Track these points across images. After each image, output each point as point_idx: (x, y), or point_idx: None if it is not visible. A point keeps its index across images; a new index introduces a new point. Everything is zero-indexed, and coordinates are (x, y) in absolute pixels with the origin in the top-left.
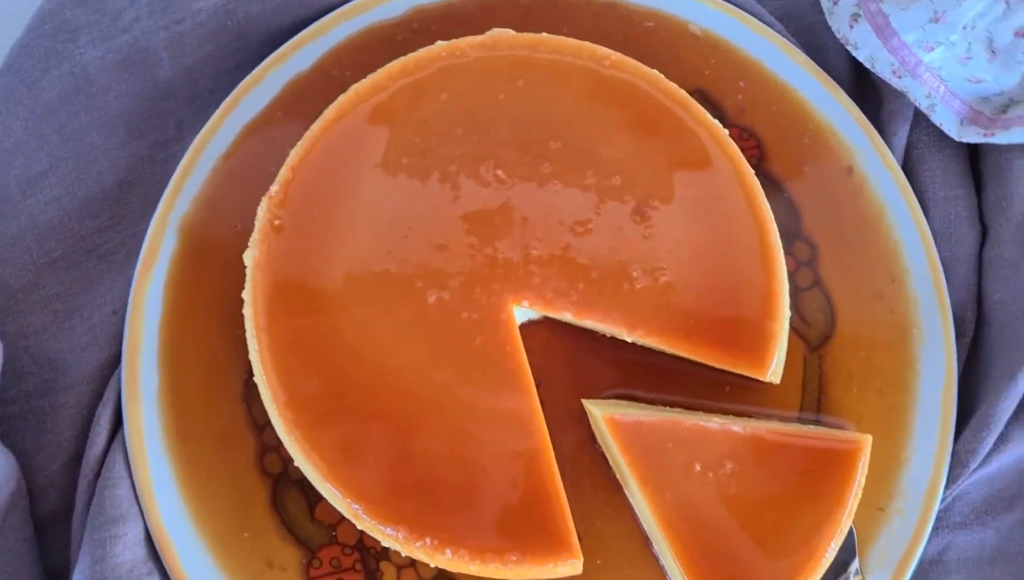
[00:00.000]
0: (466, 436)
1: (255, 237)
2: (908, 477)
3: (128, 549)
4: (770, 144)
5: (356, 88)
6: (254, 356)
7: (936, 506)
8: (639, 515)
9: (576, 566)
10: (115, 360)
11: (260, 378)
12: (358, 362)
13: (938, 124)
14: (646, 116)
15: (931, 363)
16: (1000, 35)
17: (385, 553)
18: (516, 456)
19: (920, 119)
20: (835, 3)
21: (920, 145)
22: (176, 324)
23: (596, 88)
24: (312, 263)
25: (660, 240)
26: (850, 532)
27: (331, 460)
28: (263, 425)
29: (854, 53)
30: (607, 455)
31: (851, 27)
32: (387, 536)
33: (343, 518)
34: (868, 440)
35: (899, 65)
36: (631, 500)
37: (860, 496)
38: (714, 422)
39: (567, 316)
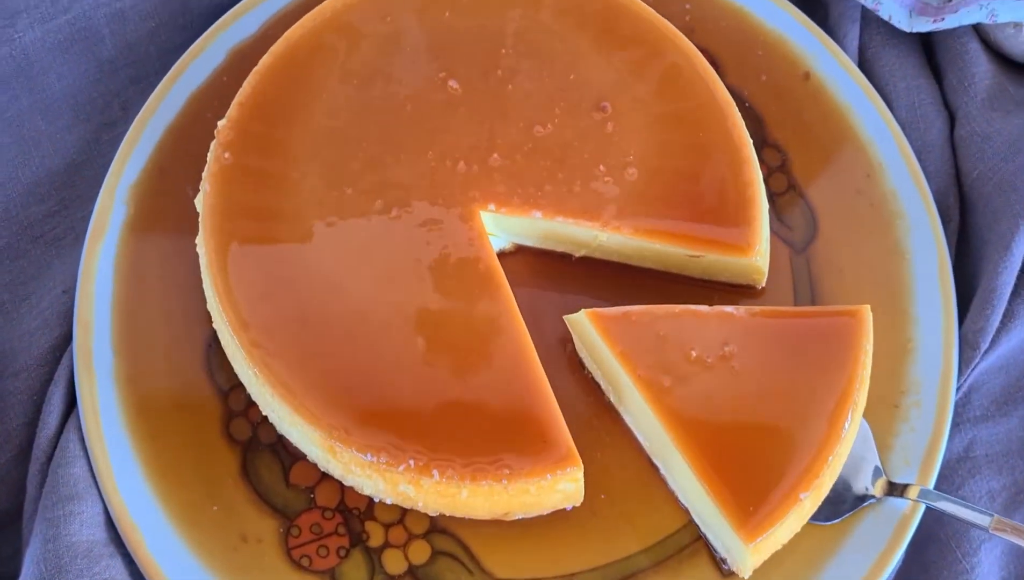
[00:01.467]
0: (442, 349)
1: (205, 175)
2: (918, 367)
3: (85, 528)
4: (724, 60)
5: (301, 22)
6: (212, 301)
7: (952, 393)
8: (640, 423)
9: (577, 476)
10: (67, 340)
11: (220, 319)
12: (320, 287)
13: (887, 18)
14: (592, 16)
15: (921, 250)
16: None
17: (370, 512)
18: (497, 363)
19: (869, 20)
20: None
21: (873, 44)
22: (129, 295)
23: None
24: (266, 195)
25: (622, 134)
26: (865, 427)
27: (300, 391)
28: (229, 389)
29: None
30: (597, 372)
31: None
32: (369, 467)
33: (322, 478)
34: (867, 308)
35: None
36: (629, 408)
37: (869, 366)
38: (704, 308)
39: (536, 216)
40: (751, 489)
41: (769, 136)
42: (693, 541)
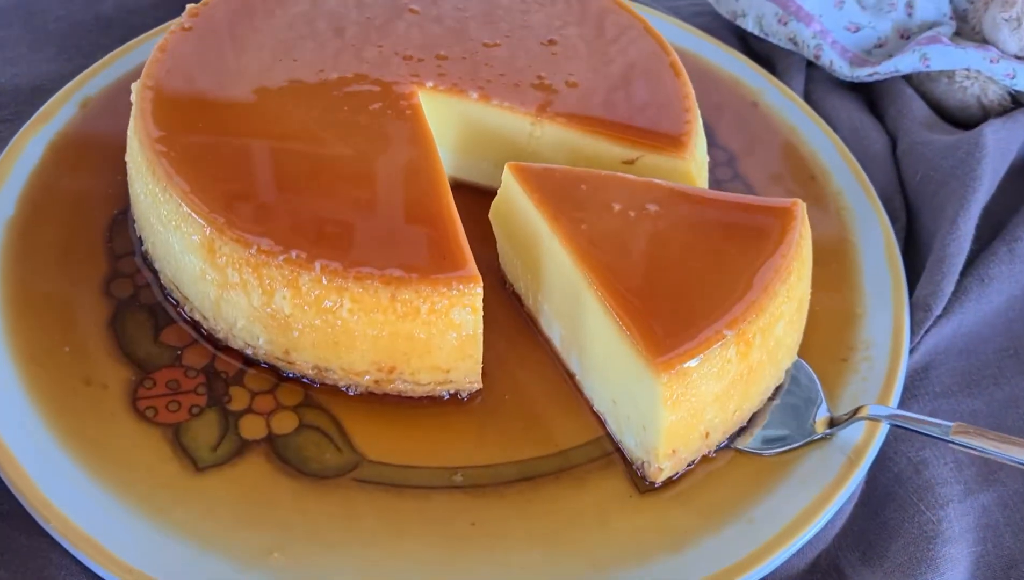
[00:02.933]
0: (351, 170)
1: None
2: (867, 329)
3: None
4: None
5: None
6: (132, 136)
7: (905, 348)
8: (555, 296)
9: (476, 300)
10: None
11: (134, 138)
12: (240, 113)
13: (828, 64)
14: None
15: (867, 236)
16: None
17: (240, 378)
18: (406, 188)
19: (812, 73)
20: None
21: (816, 90)
22: (46, 170)
23: None
24: (210, 57)
25: (567, 58)
26: (809, 371)
27: (191, 188)
28: (122, 254)
29: (743, 24)
30: (518, 278)
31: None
32: (246, 264)
33: (192, 342)
34: (801, 202)
35: (782, 12)
36: (546, 260)
37: (808, 259)
38: (633, 177)
39: (473, 96)
40: (667, 320)
41: (718, 140)
42: (605, 454)
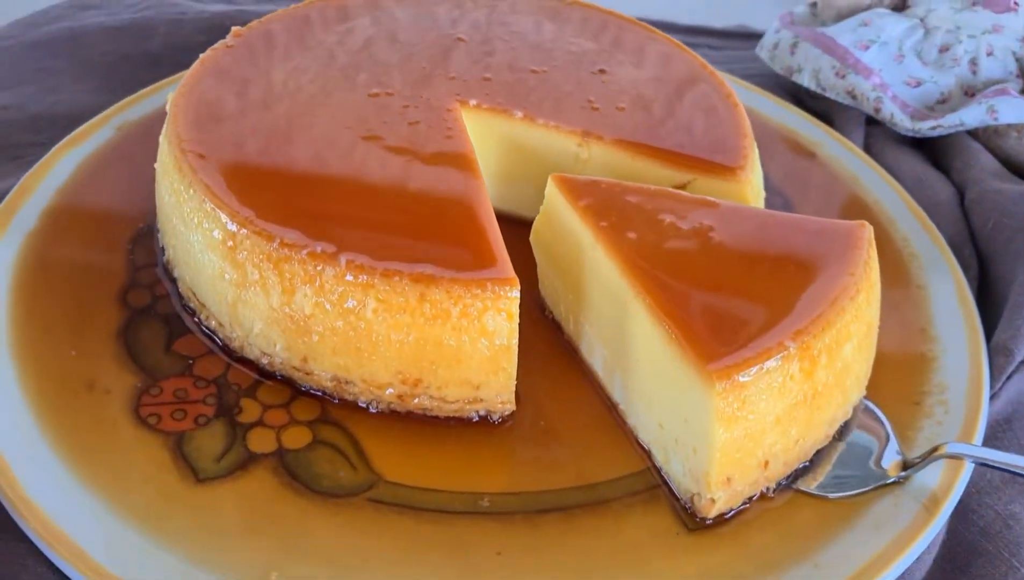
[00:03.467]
0: (387, 178)
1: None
2: (941, 373)
3: None
4: None
5: None
6: (163, 136)
7: (985, 392)
8: (600, 288)
9: (511, 305)
10: None
11: (164, 141)
12: (276, 121)
13: (888, 117)
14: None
15: (937, 280)
16: (927, 52)
17: (253, 391)
18: (441, 187)
19: (871, 130)
20: (775, 47)
21: (876, 144)
22: (72, 186)
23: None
24: (246, 67)
25: (618, 85)
26: (878, 412)
27: (216, 187)
28: (143, 266)
29: (799, 80)
30: (558, 305)
31: (792, 53)
32: (267, 260)
33: (206, 353)
34: (867, 223)
35: (840, 65)
36: (590, 275)
37: (876, 280)
38: (686, 193)
39: (517, 115)
40: (722, 328)
41: (774, 185)
42: (649, 489)
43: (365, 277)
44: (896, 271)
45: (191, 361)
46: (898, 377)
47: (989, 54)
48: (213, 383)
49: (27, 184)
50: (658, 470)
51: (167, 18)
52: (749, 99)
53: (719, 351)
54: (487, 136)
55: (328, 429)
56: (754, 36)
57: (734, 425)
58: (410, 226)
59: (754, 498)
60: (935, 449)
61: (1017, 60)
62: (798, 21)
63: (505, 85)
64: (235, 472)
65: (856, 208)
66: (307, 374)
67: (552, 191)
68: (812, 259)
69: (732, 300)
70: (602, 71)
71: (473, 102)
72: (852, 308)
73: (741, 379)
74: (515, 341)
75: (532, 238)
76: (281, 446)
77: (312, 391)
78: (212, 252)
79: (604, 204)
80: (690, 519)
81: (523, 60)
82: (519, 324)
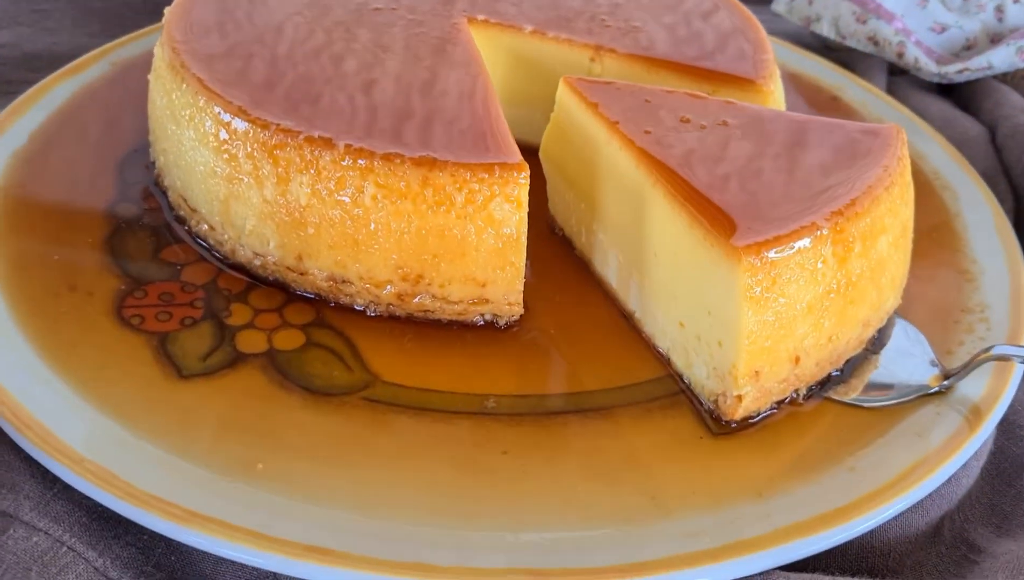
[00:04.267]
0: (390, 74)
1: None
2: (981, 292)
3: None
4: None
5: None
6: (159, 50)
7: None
8: (615, 188)
9: (519, 191)
10: None
11: (159, 50)
12: (274, 30)
13: (912, 62)
14: None
15: (972, 209)
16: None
17: (244, 295)
18: (446, 81)
19: (892, 78)
20: None
21: (899, 91)
22: (66, 111)
23: None
24: None
25: (632, 8)
26: (913, 329)
27: (210, 80)
28: (133, 183)
29: (818, 29)
30: (569, 218)
31: (810, 3)
32: (262, 148)
33: (196, 260)
34: (901, 128)
35: (860, 10)
36: (604, 178)
37: (910, 181)
38: (705, 94)
39: (527, 29)
40: (749, 208)
41: None
42: (670, 394)
43: (364, 161)
44: (928, 202)
45: (179, 267)
46: (935, 297)
47: (1015, 1)
48: (202, 288)
49: (18, 107)
50: (679, 377)
51: None
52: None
53: (746, 228)
54: (496, 54)
55: (323, 332)
56: (767, 1)
57: (763, 307)
58: (412, 116)
59: (784, 402)
60: (980, 353)
61: None
62: None
63: (514, 4)
64: (222, 370)
65: None
66: (302, 274)
67: (564, 93)
68: (843, 152)
69: (759, 184)
70: (616, 3)
71: (481, 17)
72: (887, 199)
73: (771, 256)
74: (524, 232)
75: (542, 153)
76: (272, 347)
77: (306, 295)
78: (204, 148)
79: (619, 102)
80: (715, 424)
81: None
82: (528, 242)
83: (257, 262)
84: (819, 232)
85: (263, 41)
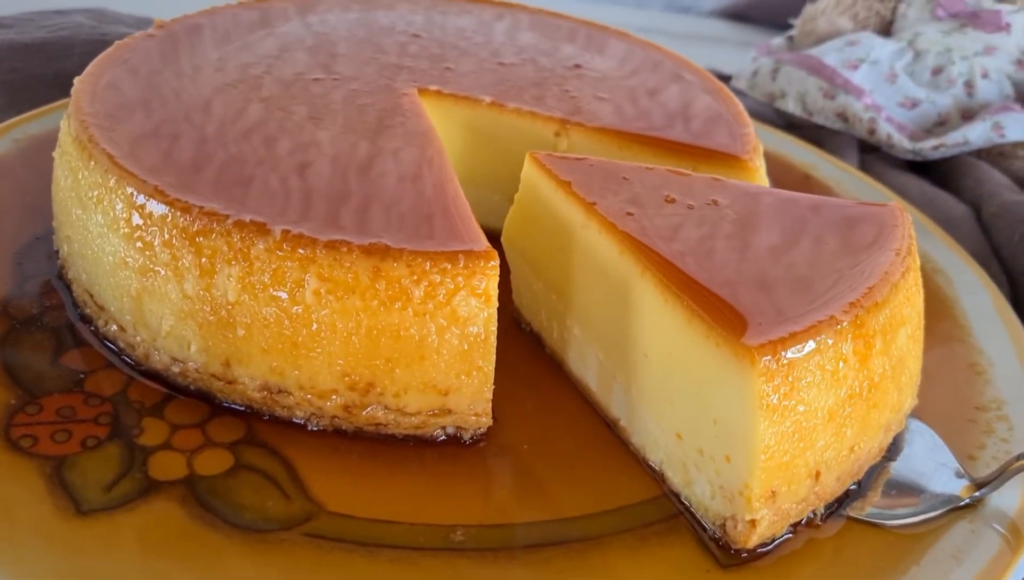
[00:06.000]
0: (333, 151)
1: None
2: (994, 386)
3: None
4: None
5: None
6: (65, 123)
7: None
8: (593, 278)
9: (488, 283)
10: None
11: (65, 123)
12: (197, 102)
13: (884, 138)
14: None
15: (968, 293)
16: (919, 74)
17: (159, 408)
18: (401, 161)
19: (865, 157)
20: (754, 74)
21: (873, 168)
22: None
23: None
24: (158, 66)
25: (598, 79)
26: (931, 433)
27: (126, 161)
28: (32, 276)
29: (783, 106)
30: (538, 313)
31: (773, 79)
32: (183, 236)
33: (104, 366)
34: (901, 205)
35: (828, 85)
36: (579, 266)
37: (919, 275)
38: (692, 172)
39: (484, 101)
40: (758, 302)
41: None
42: (667, 518)
43: (305, 250)
44: (923, 288)
45: (83, 376)
46: (944, 395)
47: (984, 76)
48: (109, 401)
49: None
50: (676, 497)
51: (85, 38)
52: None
53: (756, 324)
54: (450, 129)
55: (254, 452)
56: (725, 79)
57: (781, 416)
58: (360, 199)
59: (800, 525)
60: (1013, 460)
61: (1013, 83)
62: (777, 51)
63: (469, 74)
64: (130, 502)
65: None
66: (229, 383)
67: (530, 171)
68: (849, 236)
69: (764, 273)
70: (578, 65)
71: (433, 87)
72: (904, 287)
73: (789, 356)
74: (493, 331)
75: (504, 238)
76: (193, 472)
77: (235, 407)
78: (114, 234)
79: (594, 181)
80: (722, 553)
81: (488, 54)
82: (503, 341)
83: (176, 369)
84: (838, 326)
85: (187, 117)
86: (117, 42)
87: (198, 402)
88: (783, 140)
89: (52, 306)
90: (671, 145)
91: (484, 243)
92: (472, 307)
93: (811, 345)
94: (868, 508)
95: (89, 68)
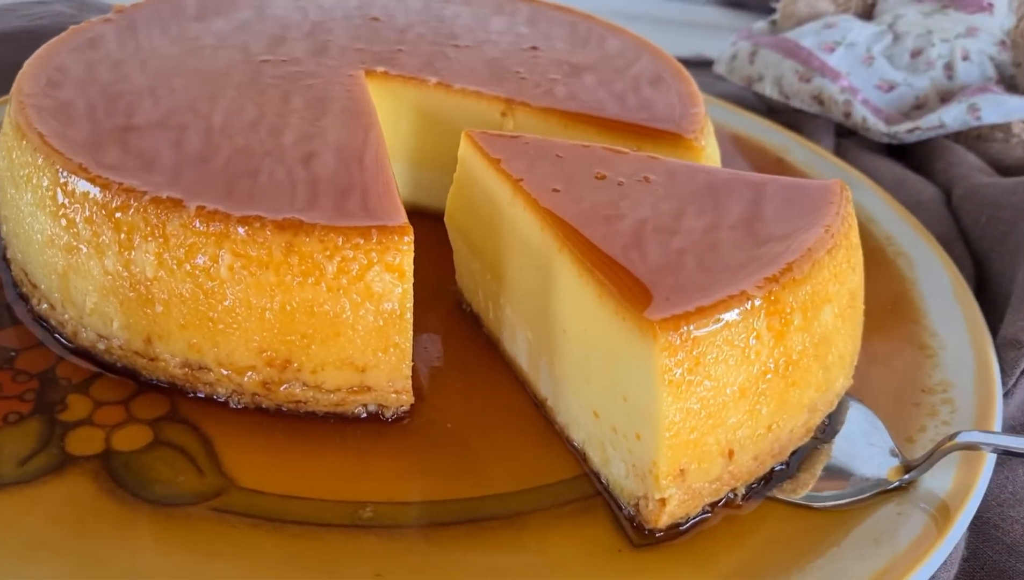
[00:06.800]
0: (263, 129)
1: None
2: (943, 368)
3: None
4: None
5: None
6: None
7: (997, 386)
8: (521, 256)
9: (401, 259)
10: None
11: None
12: (137, 85)
13: (860, 121)
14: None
15: (928, 277)
16: (898, 57)
17: (85, 385)
18: (329, 137)
19: (841, 141)
20: (733, 58)
21: (848, 152)
22: None
23: None
24: (106, 50)
25: (551, 62)
26: (870, 414)
27: (55, 140)
28: None
29: (760, 89)
30: (476, 293)
31: (751, 62)
32: (102, 210)
33: (35, 345)
34: (845, 185)
35: (804, 68)
36: (509, 245)
37: (857, 251)
38: (628, 149)
39: (431, 82)
40: (668, 275)
41: None
42: (584, 498)
43: (219, 225)
44: (881, 270)
45: (13, 353)
46: (891, 377)
47: (965, 58)
48: (36, 378)
49: None
50: (596, 476)
51: (61, 27)
52: (708, 111)
53: (663, 298)
54: (399, 111)
55: (174, 428)
56: (708, 64)
57: (686, 392)
58: (282, 175)
59: (718, 505)
60: (944, 441)
61: (996, 65)
62: (757, 34)
63: (421, 56)
64: (43, 477)
65: None
66: (152, 360)
67: (466, 149)
68: (779, 213)
69: (681, 247)
70: (534, 48)
71: (380, 69)
72: (830, 264)
73: (694, 332)
74: (409, 307)
75: (447, 218)
76: (109, 448)
77: (160, 384)
78: (41, 212)
79: (525, 158)
80: (636, 533)
81: (444, 37)
82: (433, 319)
83: (102, 346)
84: (750, 302)
85: (126, 99)
86: (72, 26)
87: (126, 380)
88: (757, 124)
89: None
90: (613, 124)
91: (400, 219)
92: (386, 283)
93: (720, 320)
94: (801, 491)
95: (39, 51)
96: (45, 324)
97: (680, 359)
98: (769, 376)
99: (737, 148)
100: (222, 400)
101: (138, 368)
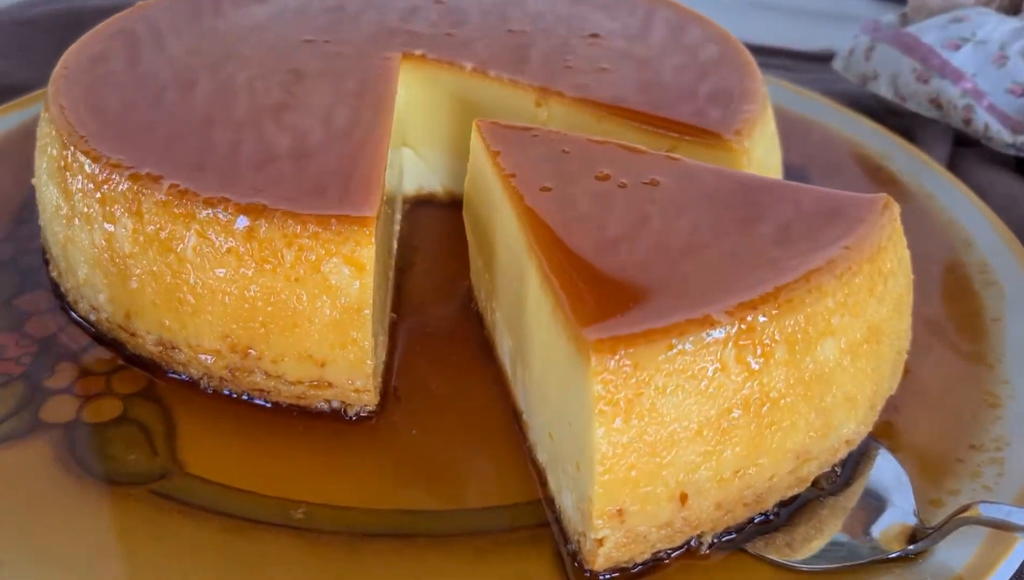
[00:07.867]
0: (274, 116)
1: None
2: (1004, 423)
3: None
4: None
5: None
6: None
7: None
8: (506, 258)
9: (363, 252)
10: None
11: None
12: (170, 67)
13: (981, 129)
14: None
15: (1019, 314)
16: None
17: (78, 354)
18: (334, 126)
19: (959, 150)
20: (850, 53)
21: (963, 162)
22: None
23: None
24: (143, 33)
25: (610, 50)
26: (897, 467)
27: (75, 102)
28: (26, 221)
29: (875, 88)
30: (482, 293)
31: (867, 59)
32: (92, 181)
33: (48, 309)
34: (893, 202)
35: (922, 67)
36: (500, 243)
37: (896, 277)
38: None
39: (467, 67)
40: (625, 291)
41: None
42: (533, 526)
43: (187, 205)
44: (963, 301)
45: (27, 317)
46: (938, 424)
47: None
48: (37, 342)
49: None
50: (551, 503)
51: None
52: (811, 108)
53: (615, 317)
54: (436, 97)
55: (144, 406)
56: (829, 58)
57: (624, 425)
58: (281, 158)
59: (674, 554)
60: (961, 510)
61: None
62: (883, 27)
63: (467, 40)
64: (10, 440)
65: (935, 229)
66: (132, 335)
67: (475, 141)
68: (790, 228)
69: (657, 262)
70: (594, 35)
71: (418, 52)
72: (839, 291)
73: (636, 357)
74: (368, 303)
75: (463, 210)
76: (78, 418)
77: (145, 360)
78: (52, 181)
79: (526, 152)
80: (576, 572)
81: (503, 21)
82: (440, 317)
83: (93, 317)
84: (715, 330)
85: (160, 77)
86: (139, 3)
87: (115, 354)
88: (861, 125)
89: (28, 251)
90: (643, 118)
91: (367, 209)
92: (344, 276)
93: (672, 346)
94: (792, 549)
95: (86, 36)
96: (57, 291)
97: (617, 386)
98: (736, 414)
99: (835, 151)
100: (194, 380)
101: (123, 342)
